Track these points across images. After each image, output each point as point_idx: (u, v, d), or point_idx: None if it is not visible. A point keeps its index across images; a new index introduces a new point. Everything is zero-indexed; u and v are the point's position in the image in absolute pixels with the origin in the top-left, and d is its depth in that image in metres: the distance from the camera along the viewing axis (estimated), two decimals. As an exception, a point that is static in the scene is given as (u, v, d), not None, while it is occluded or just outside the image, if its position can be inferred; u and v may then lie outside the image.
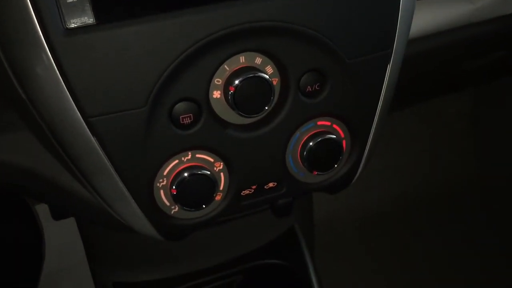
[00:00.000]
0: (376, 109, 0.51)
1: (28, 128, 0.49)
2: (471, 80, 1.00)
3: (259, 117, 0.47)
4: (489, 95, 1.45)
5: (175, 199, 0.47)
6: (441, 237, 1.39)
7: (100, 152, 0.43)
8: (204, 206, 0.48)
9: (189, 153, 0.46)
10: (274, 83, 0.46)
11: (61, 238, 1.03)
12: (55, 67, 0.39)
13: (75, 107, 0.40)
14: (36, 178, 0.51)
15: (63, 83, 0.40)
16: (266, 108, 0.45)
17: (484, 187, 1.46)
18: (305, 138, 0.50)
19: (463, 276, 1.31)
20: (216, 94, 0.45)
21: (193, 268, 0.73)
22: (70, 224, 0.82)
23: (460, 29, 0.69)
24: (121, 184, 0.45)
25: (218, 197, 0.49)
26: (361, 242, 1.38)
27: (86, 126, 0.41)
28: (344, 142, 0.51)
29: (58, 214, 0.93)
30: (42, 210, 1.04)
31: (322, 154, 0.49)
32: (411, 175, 1.46)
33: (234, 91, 0.44)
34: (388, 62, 0.48)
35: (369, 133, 0.52)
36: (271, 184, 0.51)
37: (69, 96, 0.40)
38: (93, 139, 0.42)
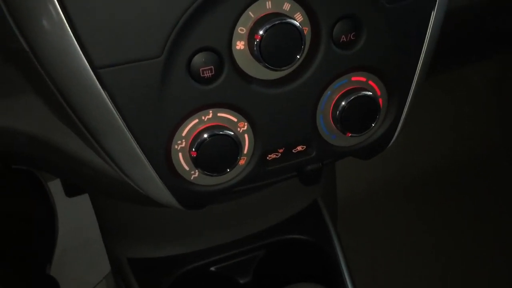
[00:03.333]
0: (418, 63, 0.45)
1: (33, 89, 0.45)
2: (504, 43, 0.93)
3: (287, 71, 0.42)
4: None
5: (195, 162, 0.42)
6: (466, 212, 1.34)
7: (112, 108, 0.38)
8: (228, 170, 0.43)
9: (210, 111, 0.42)
10: (304, 32, 0.41)
11: (75, 215, 1.01)
12: (60, 10, 0.35)
13: (82, 56, 0.36)
14: (44, 146, 0.47)
15: (68, 28, 0.35)
16: (298, 57, 0.40)
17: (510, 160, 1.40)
18: (337, 96, 0.45)
19: (487, 250, 1.27)
20: (240, 45, 0.40)
21: (211, 244, 0.69)
22: (83, 201, 0.80)
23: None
24: (135, 146, 0.41)
25: (242, 162, 0.45)
26: (383, 217, 1.33)
27: (95, 78, 0.37)
28: (380, 101, 0.46)
29: (71, 191, 0.90)
30: (55, 188, 1.02)
31: (357, 113, 0.45)
32: (434, 148, 1.41)
33: (260, 40, 0.39)
34: (433, 8, 0.43)
35: (409, 91, 0.47)
36: (299, 148, 0.46)
37: (76, 44, 0.36)
38: (103, 93, 0.38)
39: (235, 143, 0.42)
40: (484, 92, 1.45)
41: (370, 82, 0.45)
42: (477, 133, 1.44)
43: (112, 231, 0.73)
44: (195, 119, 0.42)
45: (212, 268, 0.69)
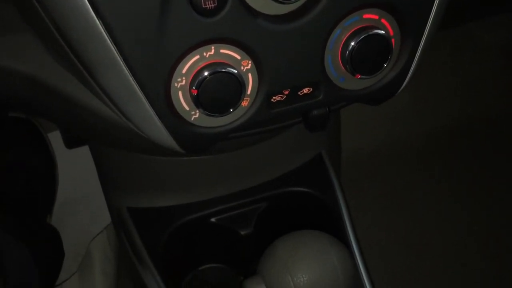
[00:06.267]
0: (434, 2, 0.43)
1: (29, 26, 0.43)
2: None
3: (295, 5, 0.39)
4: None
5: (196, 102, 0.40)
6: (472, 174, 1.32)
7: (107, 39, 0.36)
8: (230, 110, 0.41)
9: (212, 47, 0.39)
10: None
11: (75, 168, 1.00)
12: None
13: None
14: (42, 89, 0.46)
15: None
16: None
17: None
18: (347, 35, 0.42)
19: (495, 211, 1.26)
20: None
21: (212, 195, 0.68)
22: (83, 153, 0.78)
23: None
24: (133, 82, 0.39)
25: (244, 103, 0.43)
26: (388, 177, 1.32)
27: (89, 6, 0.35)
28: (393, 41, 0.43)
29: (71, 142, 0.89)
30: (55, 141, 1.01)
31: (367, 53, 0.42)
32: (443, 109, 1.38)
33: None
34: None
35: (423, 32, 0.44)
36: (306, 90, 0.44)
37: None
38: (98, 22, 0.35)
39: (238, 82, 0.40)
40: (494, 53, 1.41)
41: (383, 21, 0.43)
42: (486, 94, 1.41)
43: (112, 181, 0.72)
44: (196, 55, 0.39)
45: (213, 219, 0.68)
